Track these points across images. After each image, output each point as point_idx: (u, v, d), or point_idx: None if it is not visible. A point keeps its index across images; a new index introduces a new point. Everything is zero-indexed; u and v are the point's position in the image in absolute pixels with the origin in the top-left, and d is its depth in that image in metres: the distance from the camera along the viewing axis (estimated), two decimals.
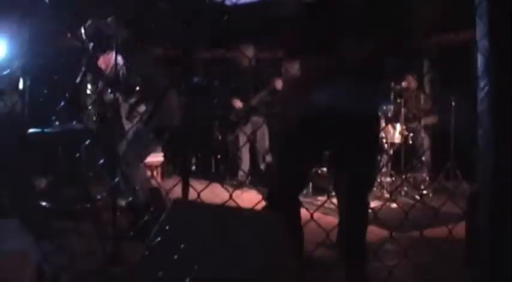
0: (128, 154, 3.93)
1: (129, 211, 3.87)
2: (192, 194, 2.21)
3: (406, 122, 6.25)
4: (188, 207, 2.02)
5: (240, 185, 6.24)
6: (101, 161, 3.97)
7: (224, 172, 7.12)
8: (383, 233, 3.77)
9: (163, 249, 1.79)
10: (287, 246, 1.75)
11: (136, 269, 1.86)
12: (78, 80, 4.27)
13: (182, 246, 1.73)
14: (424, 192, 6.16)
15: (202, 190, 1.94)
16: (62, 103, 3.96)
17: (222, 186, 2.07)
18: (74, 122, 4.57)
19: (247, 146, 6.74)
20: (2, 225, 1.75)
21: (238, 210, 1.92)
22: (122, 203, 3.93)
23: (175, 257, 1.71)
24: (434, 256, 3.05)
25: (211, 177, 6.88)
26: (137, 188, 3.88)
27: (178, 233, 1.84)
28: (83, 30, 4.20)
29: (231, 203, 1.88)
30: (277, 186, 2.84)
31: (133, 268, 1.91)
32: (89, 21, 4.27)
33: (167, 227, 1.83)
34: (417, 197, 5.89)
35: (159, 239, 1.80)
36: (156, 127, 4.02)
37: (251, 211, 1.93)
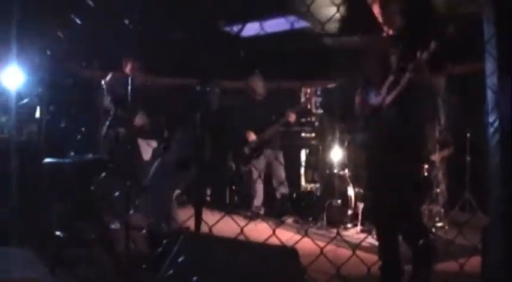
0: (154, 186, 3.97)
1: (148, 241, 3.89)
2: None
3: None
4: (199, 240, 2.03)
5: (253, 217, 6.23)
6: (116, 193, 4.03)
7: (238, 203, 7.10)
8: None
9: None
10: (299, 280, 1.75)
11: None
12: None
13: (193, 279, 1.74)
14: (440, 224, 6.09)
15: (214, 224, 1.95)
16: (79, 135, 4.04)
17: (233, 219, 2.08)
18: (90, 154, 4.64)
19: (261, 178, 6.73)
20: (17, 254, 1.78)
21: (250, 244, 1.93)
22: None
23: None
24: None
25: (225, 208, 6.85)
26: (160, 220, 3.92)
27: (189, 266, 1.85)
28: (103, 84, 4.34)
29: (244, 235, 1.89)
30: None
31: None
32: (109, 76, 4.39)
33: (178, 260, 1.84)
34: (433, 229, 5.83)
35: (170, 272, 1.81)
36: (180, 158, 4.06)
37: (263, 245, 1.93)
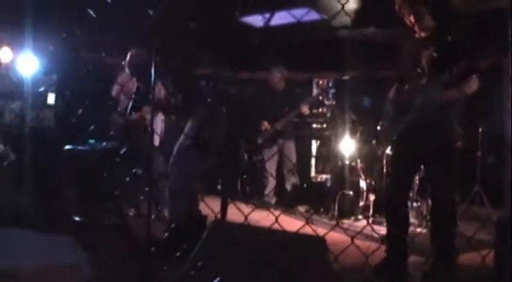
0: (174, 173, 4.01)
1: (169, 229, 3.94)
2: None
3: None
4: (227, 228, 2.08)
5: (265, 206, 6.29)
6: (130, 176, 4.09)
7: (250, 192, 7.17)
8: (412, 258, 3.78)
9: (204, 267, 1.85)
10: (328, 269, 1.80)
11: None
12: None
13: (222, 266, 1.79)
14: None
15: (249, 213, 2.00)
16: (96, 122, 4.10)
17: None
18: (106, 142, 4.71)
19: (274, 167, 6.80)
20: (57, 240, 1.84)
21: (279, 232, 1.98)
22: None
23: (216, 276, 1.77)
24: None
25: (236, 197, 6.90)
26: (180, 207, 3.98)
27: (217, 252, 1.90)
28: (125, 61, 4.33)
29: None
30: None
31: None
32: (131, 52, 4.41)
33: (207, 246, 1.90)
34: None
35: (200, 257, 1.86)
36: (203, 143, 4.09)
37: (291, 233, 1.98)
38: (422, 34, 3.54)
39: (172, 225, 3.79)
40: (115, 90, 5.73)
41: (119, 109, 5.62)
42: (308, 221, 3.60)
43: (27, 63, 5.84)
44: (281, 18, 6.21)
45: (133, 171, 4.81)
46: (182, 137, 4.17)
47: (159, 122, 5.78)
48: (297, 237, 1.96)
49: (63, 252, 1.74)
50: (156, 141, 5.67)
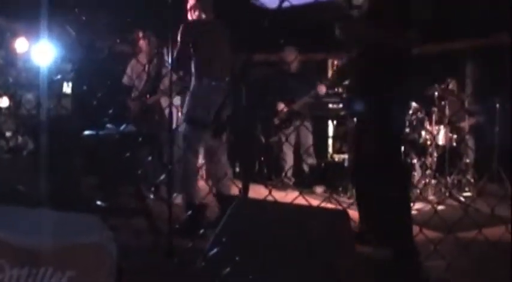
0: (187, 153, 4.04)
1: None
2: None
3: (450, 123, 6.25)
4: (251, 204, 2.10)
5: (284, 187, 6.32)
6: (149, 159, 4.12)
7: (268, 174, 7.20)
8: (431, 234, 3.78)
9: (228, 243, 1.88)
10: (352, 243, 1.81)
11: (200, 264, 1.95)
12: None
13: (246, 241, 1.82)
14: (468, 194, 6.14)
15: (268, 194, 2.02)
16: (113, 108, 4.14)
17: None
18: (124, 125, 4.74)
19: (291, 148, 6.82)
20: (83, 219, 1.88)
21: (302, 207, 2.00)
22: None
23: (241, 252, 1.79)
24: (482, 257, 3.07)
25: (254, 179, 6.94)
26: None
27: (242, 228, 1.93)
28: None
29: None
30: None
31: (197, 264, 2.00)
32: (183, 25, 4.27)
33: (232, 222, 1.92)
34: (462, 199, 5.87)
35: (225, 233, 1.89)
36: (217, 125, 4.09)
37: (315, 208, 2.00)
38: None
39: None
40: (127, 76, 5.76)
41: (133, 95, 5.67)
42: (333, 202, 3.63)
43: (42, 52, 5.90)
44: None
45: (151, 155, 4.87)
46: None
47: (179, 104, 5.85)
48: (319, 211, 1.97)
49: (89, 231, 1.78)
50: (174, 124, 5.73)
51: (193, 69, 4.23)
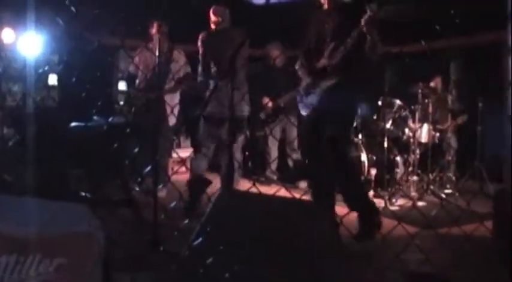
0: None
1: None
2: None
3: (434, 122, 6.34)
4: (235, 196, 2.16)
5: (267, 182, 6.38)
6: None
7: (252, 168, 7.25)
8: (411, 229, 3.86)
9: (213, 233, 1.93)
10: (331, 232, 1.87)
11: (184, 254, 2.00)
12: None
13: (230, 231, 1.87)
14: (450, 191, 6.24)
15: (253, 184, 2.08)
16: (101, 99, 4.16)
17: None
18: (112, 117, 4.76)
19: (276, 143, 6.86)
20: (72, 208, 1.92)
21: (286, 199, 2.05)
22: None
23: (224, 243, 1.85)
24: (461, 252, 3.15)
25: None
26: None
27: (226, 219, 1.98)
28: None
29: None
30: None
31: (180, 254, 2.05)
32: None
33: (216, 213, 1.97)
34: (443, 195, 5.98)
35: (209, 224, 1.94)
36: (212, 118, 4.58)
37: (299, 200, 2.05)
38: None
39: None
40: (133, 65, 5.75)
41: (135, 85, 5.67)
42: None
43: (29, 44, 5.87)
44: None
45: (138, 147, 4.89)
46: None
47: (177, 102, 5.86)
48: (302, 203, 2.03)
49: (77, 220, 1.82)
50: (172, 121, 5.75)
51: (212, 71, 4.83)
